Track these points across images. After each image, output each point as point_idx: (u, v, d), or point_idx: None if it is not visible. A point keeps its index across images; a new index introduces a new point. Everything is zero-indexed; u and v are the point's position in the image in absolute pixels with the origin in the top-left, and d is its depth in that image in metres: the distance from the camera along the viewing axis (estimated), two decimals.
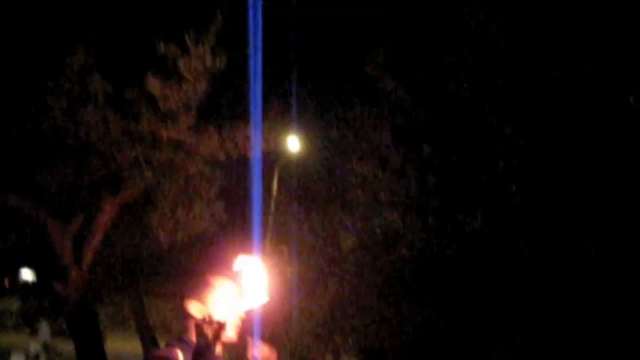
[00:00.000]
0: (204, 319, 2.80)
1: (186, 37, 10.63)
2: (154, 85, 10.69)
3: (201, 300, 2.94)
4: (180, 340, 2.89)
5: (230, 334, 2.85)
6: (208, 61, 10.79)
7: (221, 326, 2.77)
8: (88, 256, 12.39)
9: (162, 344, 3.20)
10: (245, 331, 2.98)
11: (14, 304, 24.88)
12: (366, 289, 13.44)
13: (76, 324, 12.86)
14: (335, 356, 15.82)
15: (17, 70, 10.55)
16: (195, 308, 2.92)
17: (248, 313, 2.95)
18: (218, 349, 2.86)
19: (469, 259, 12.33)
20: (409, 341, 13.15)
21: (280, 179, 15.41)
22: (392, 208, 12.54)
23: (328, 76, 13.85)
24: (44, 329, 19.75)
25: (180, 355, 2.78)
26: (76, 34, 10.50)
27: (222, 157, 11.72)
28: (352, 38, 13.49)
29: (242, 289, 2.97)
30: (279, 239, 14.08)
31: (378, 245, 13.16)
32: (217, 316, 2.82)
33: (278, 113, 12.35)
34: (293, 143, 14.84)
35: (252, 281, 2.96)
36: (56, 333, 20.19)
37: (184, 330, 2.99)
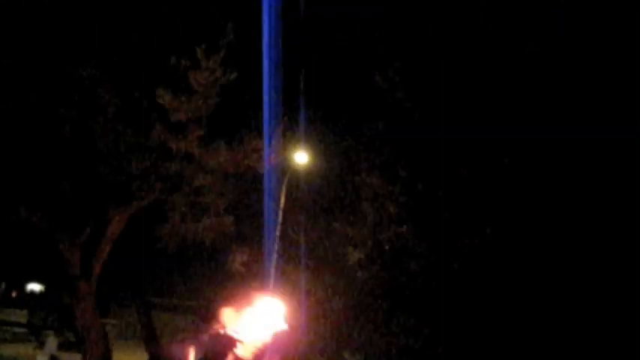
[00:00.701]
0: (218, 332, 2.80)
1: (197, 51, 10.69)
2: (164, 97, 10.74)
3: (236, 311, 2.92)
4: (195, 338, 2.87)
5: (242, 352, 2.85)
6: (219, 74, 10.84)
7: (232, 343, 2.77)
8: (97, 268, 12.38)
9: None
10: (263, 354, 2.97)
11: (21, 316, 24.90)
12: (374, 303, 13.40)
13: (84, 335, 12.84)
14: None
15: (28, 82, 10.62)
16: (226, 315, 2.92)
17: (268, 340, 2.94)
18: None
19: (475, 273, 12.31)
20: (416, 355, 13.09)
21: (288, 192, 15.39)
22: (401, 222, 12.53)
23: (337, 88, 13.86)
24: (51, 341, 19.70)
25: (192, 352, 2.77)
26: (88, 47, 10.57)
27: (231, 169, 11.74)
28: (361, 50, 13.52)
29: (269, 316, 2.97)
30: (287, 252, 14.06)
31: (386, 259, 13.15)
32: (236, 333, 2.82)
33: (287, 126, 12.38)
34: (301, 156, 14.83)
35: (272, 309, 2.96)
36: (62, 345, 20.16)
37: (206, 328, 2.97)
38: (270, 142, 10.73)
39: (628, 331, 11.61)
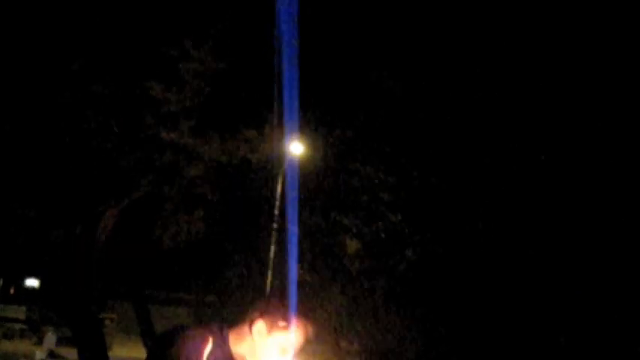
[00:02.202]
0: (232, 355, 2.70)
1: (186, 40, 10.61)
2: (154, 88, 10.66)
3: (269, 327, 2.77)
4: (216, 332, 2.72)
5: None
6: (210, 64, 10.76)
7: None
8: (92, 262, 12.34)
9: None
10: None
11: (20, 312, 24.93)
12: (371, 292, 13.35)
13: (81, 331, 12.81)
14: None
15: (20, 74, 10.55)
16: (257, 328, 2.76)
17: None
18: None
19: (472, 262, 12.26)
20: (414, 345, 13.06)
21: (284, 183, 15.35)
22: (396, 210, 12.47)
23: (331, 79, 13.79)
24: (50, 337, 19.75)
25: (210, 344, 2.65)
26: (77, 39, 10.48)
27: (224, 160, 11.67)
28: (355, 42, 13.43)
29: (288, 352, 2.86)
30: (282, 243, 14.02)
31: (382, 248, 13.10)
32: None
33: (282, 117, 12.31)
34: (296, 147, 14.78)
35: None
36: (61, 341, 20.21)
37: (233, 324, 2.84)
38: (288, 130, 10.57)
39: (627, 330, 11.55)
